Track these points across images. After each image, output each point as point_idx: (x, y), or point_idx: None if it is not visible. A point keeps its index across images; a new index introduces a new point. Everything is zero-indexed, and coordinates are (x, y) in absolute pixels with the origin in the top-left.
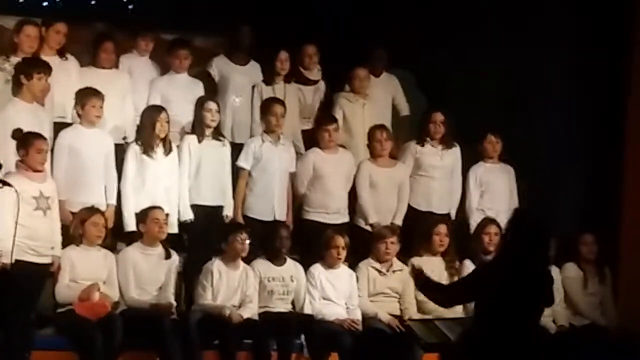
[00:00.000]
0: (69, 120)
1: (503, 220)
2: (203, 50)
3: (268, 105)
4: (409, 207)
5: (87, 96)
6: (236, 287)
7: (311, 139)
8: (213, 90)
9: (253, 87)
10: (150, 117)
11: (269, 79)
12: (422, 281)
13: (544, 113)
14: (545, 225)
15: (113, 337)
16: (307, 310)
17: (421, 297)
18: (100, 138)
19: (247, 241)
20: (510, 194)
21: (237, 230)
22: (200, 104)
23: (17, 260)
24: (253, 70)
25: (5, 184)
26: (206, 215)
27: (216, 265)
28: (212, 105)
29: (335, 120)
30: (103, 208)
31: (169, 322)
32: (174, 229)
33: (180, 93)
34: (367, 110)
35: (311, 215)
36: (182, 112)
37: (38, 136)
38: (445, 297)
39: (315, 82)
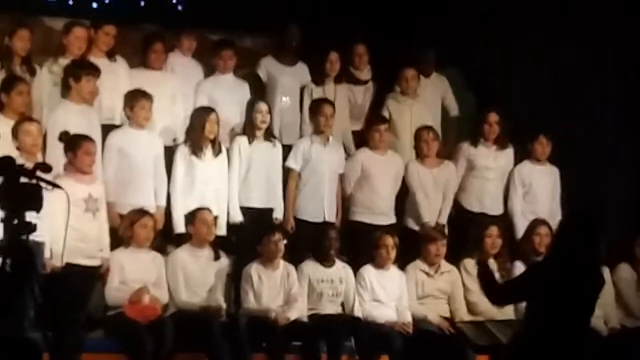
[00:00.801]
0: (117, 122)
1: None
2: (251, 51)
3: (317, 106)
4: (462, 208)
5: (136, 98)
6: (279, 288)
7: (361, 140)
8: (261, 91)
9: (303, 87)
10: (200, 118)
11: (318, 80)
12: (486, 276)
13: (593, 112)
14: (597, 225)
15: (163, 341)
16: (357, 312)
17: (471, 298)
18: (150, 140)
19: (282, 242)
20: (553, 196)
21: (270, 232)
22: (250, 105)
23: (67, 263)
24: (301, 71)
25: (55, 186)
26: (255, 217)
27: (254, 268)
28: (262, 106)
29: (386, 121)
30: (152, 210)
31: (219, 324)
32: (222, 231)
33: (226, 94)
34: (415, 111)
35: (358, 216)
36: (228, 113)
37: (86, 138)
38: (497, 295)
39: (366, 82)
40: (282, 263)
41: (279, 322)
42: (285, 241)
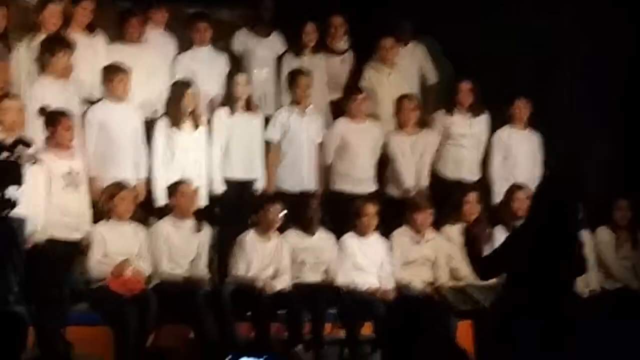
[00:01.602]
0: (97, 97)
1: None
2: (228, 24)
3: (294, 77)
4: (439, 176)
5: (113, 72)
6: (270, 259)
7: (339, 110)
8: (239, 63)
9: (280, 58)
10: (178, 91)
11: (295, 51)
12: (474, 249)
13: (572, 76)
14: (574, 189)
15: (147, 313)
16: (340, 280)
17: (453, 264)
18: (129, 113)
19: (282, 212)
20: (534, 161)
21: (271, 202)
22: (230, 77)
23: (49, 237)
24: (276, 42)
25: (36, 161)
26: (237, 188)
27: (249, 236)
28: (242, 77)
29: (361, 90)
30: (133, 183)
31: (202, 295)
32: (203, 201)
33: (205, 67)
34: (393, 80)
35: (338, 185)
36: (207, 85)
37: (64, 114)
38: (483, 270)
39: (343, 52)
40: (275, 235)
41: (266, 291)
42: (284, 212)
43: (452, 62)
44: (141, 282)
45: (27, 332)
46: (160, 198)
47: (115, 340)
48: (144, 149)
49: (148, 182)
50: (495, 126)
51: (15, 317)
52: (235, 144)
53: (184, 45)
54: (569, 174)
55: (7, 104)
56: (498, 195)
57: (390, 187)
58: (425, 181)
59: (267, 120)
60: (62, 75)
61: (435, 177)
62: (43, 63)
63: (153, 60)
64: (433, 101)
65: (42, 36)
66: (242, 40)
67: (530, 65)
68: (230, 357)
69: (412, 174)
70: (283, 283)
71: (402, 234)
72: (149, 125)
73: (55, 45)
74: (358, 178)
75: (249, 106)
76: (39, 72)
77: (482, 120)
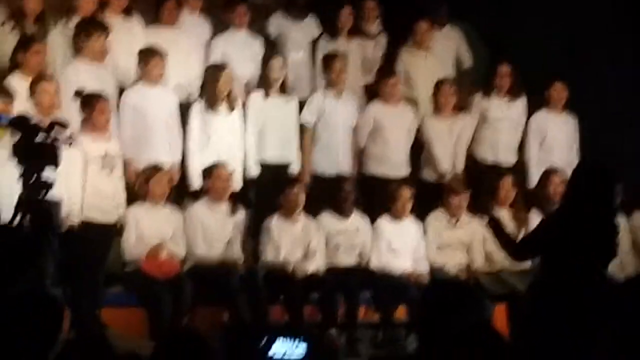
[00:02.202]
0: (132, 80)
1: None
2: (262, 7)
3: (329, 60)
4: (476, 160)
5: (149, 55)
6: (298, 241)
7: (372, 93)
8: (272, 45)
9: (315, 41)
10: (213, 74)
11: (331, 34)
12: (499, 232)
13: (608, 60)
14: (610, 173)
15: (182, 296)
16: (374, 263)
17: (488, 248)
18: (164, 96)
19: (302, 194)
20: (570, 145)
21: (290, 184)
22: (265, 61)
23: (84, 220)
24: (310, 26)
25: (72, 143)
26: (272, 171)
27: (274, 221)
28: (277, 61)
29: (397, 74)
30: (168, 166)
31: (237, 278)
32: (238, 185)
33: (240, 50)
34: (429, 63)
35: (372, 169)
36: (242, 69)
37: (100, 97)
38: (516, 251)
39: (375, 36)
40: (302, 217)
41: (296, 275)
42: (304, 194)
43: (488, 46)
44: (176, 265)
45: (62, 314)
46: (195, 181)
47: (150, 322)
48: (178, 132)
49: (182, 165)
50: (532, 110)
51: (51, 300)
52: (270, 127)
53: (219, 28)
54: (605, 159)
55: (44, 86)
56: (533, 180)
57: (426, 171)
58: (460, 165)
59: (301, 104)
60: (97, 58)
61: (472, 161)
62: (78, 45)
63: (188, 44)
64: (468, 85)
65: (77, 19)
66: (277, 23)
67: (568, 47)
68: (266, 339)
69: (448, 158)
70: (315, 265)
71: (437, 217)
72: (184, 109)
73: (91, 28)
74: (392, 161)
75: (283, 89)
76: (74, 55)
77: (519, 104)
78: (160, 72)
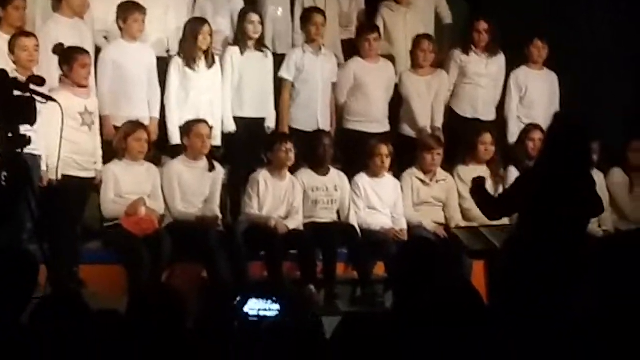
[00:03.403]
0: (110, 34)
1: None
2: None
3: (308, 15)
4: (455, 114)
5: (129, 10)
6: (283, 198)
7: (350, 49)
8: (253, 1)
9: None
10: (193, 29)
11: None
12: (480, 192)
13: (587, 17)
14: (585, 128)
15: (161, 252)
16: (352, 220)
17: (466, 205)
18: (143, 52)
19: (292, 151)
20: (551, 101)
21: (283, 140)
22: (242, 16)
23: (63, 175)
24: None
25: (49, 99)
26: (248, 127)
27: (262, 175)
28: (254, 17)
29: (377, 30)
30: (146, 122)
31: (215, 234)
32: (217, 141)
33: (217, 5)
34: (409, 19)
35: (352, 125)
36: (220, 24)
37: (81, 51)
38: (492, 210)
39: None
40: (288, 174)
41: (278, 230)
42: (294, 150)
43: (468, 2)
44: (154, 222)
45: (38, 270)
46: (174, 137)
47: (128, 279)
48: (156, 87)
49: (160, 121)
50: (512, 67)
51: (27, 256)
52: (246, 82)
53: None
54: (584, 115)
55: (24, 41)
56: (513, 136)
57: (405, 127)
58: (439, 122)
59: (282, 59)
60: (76, 14)
61: (451, 115)
62: (57, 1)
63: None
64: (447, 42)
65: None
66: None
67: (549, 3)
68: (238, 299)
69: (427, 114)
70: (296, 223)
71: (411, 174)
72: (163, 64)
73: None
74: (372, 117)
75: (260, 45)
76: (54, 10)
77: (499, 60)
78: (140, 28)
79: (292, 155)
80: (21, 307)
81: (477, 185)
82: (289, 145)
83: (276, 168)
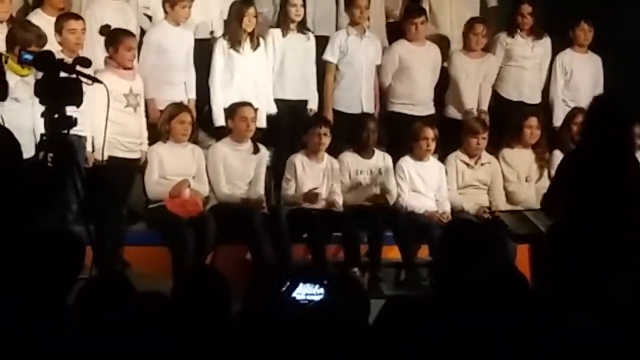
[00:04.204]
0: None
1: None
2: None
3: None
4: (500, 97)
5: None
6: (321, 180)
7: (395, 32)
8: None
9: None
10: (238, 11)
11: None
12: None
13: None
14: (626, 110)
15: (205, 234)
16: (397, 202)
17: (510, 188)
18: (183, 35)
19: (328, 135)
20: (595, 85)
21: (317, 124)
22: None
23: (108, 157)
24: None
25: (96, 80)
26: (291, 109)
27: (299, 158)
28: (297, 0)
29: (424, 13)
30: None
31: (259, 216)
32: (262, 123)
33: None
34: (455, 2)
35: (397, 107)
36: (263, 6)
37: (128, 33)
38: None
39: None
40: (325, 156)
41: (319, 214)
42: (329, 134)
43: None
44: (199, 204)
45: (84, 252)
46: (219, 119)
47: (172, 261)
48: (192, 69)
49: (205, 103)
50: (558, 50)
51: (73, 237)
52: (288, 65)
53: None
54: (628, 97)
55: (73, 24)
56: (558, 119)
57: (450, 110)
58: (485, 105)
59: (324, 41)
60: None
61: (496, 98)
62: None
63: None
64: (493, 25)
65: None
66: None
67: None
68: (288, 284)
69: (474, 96)
70: (337, 204)
71: (456, 157)
72: (206, 46)
73: None
74: (417, 100)
75: (302, 27)
76: None
77: (544, 43)
78: (187, 14)
79: (326, 139)
80: (67, 289)
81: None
82: (324, 130)
83: (312, 151)
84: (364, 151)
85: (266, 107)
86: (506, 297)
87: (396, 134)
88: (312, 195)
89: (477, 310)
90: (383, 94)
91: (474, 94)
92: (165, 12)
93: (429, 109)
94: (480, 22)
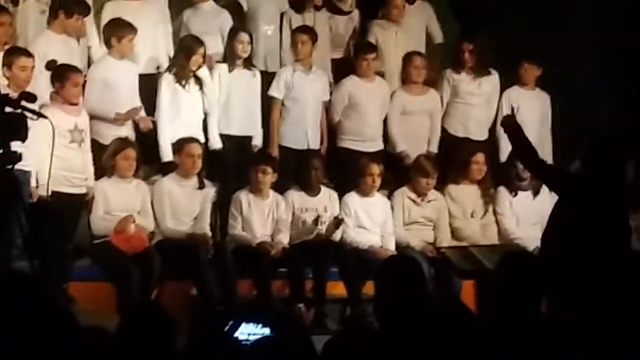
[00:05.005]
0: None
1: None
2: None
3: (297, 35)
4: (447, 133)
5: (123, 29)
6: (267, 216)
7: (342, 68)
8: (242, 19)
9: (282, 15)
10: (188, 48)
11: (299, 7)
12: (515, 132)
13: (581, 36)
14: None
15: (150, 270)
16: (342, 238)
17: (455, 224)
18: (129, 69)
19: (271, 174)
20: (542, 121)
21: (260, 161)
22: (232, 34)
23: (53, 192)
24: None
25: (41, 116)
26: (237, 144)
27: (244, 195)
28: (244, 36)
29: (375, 50)
30: (133, 139)
31: (205, 252)
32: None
33: (204, 23)
34: (401, 38)
35: (346, 143)
36: (207, 42)
37: (74, 69)
38: (533, 164)
39: (348, 12)
40: (271, 193)
41: (265, 250)
42: (274, 173)
43: (459, 22)
44: (144, 240)
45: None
46: (166, 154)
47: (118, 297)
48: (139, 102)
49: (151, 137)
50: (507, 85)
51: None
52: (234, 100)
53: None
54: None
55: (24, 61)
56: (504, 155)
57: (393, 146)
58: (435, 144)
59: (272, 78)
60: (70, 34)
61: (443, 134)
62: (54, 18)
63: (156, 16)
64: (438, 61)
65: None
66: None
67: (541, 23)
68: (230, 324)
69: (415, 136)
70: (283, 241)
71: (403, 193)
72: (152, 80)
73: (75, 8)
74: (366, 136)
75: (247, 64)
76: (47, 26)
77: (491, 80)
78: (133, 47)
79: (270, 177)
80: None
81: (512, 124)
82: (265, 168)
83: (256, 188)
84: (310, 189)
85: (210, 142)
86: (454, 331)
87: (344, 169)
88: (265, 246)
89: (425, 344)
90: (332, 130)
91: (410, 132)
92: (111, 46)
93: (378, 145)
94: (418, 55)
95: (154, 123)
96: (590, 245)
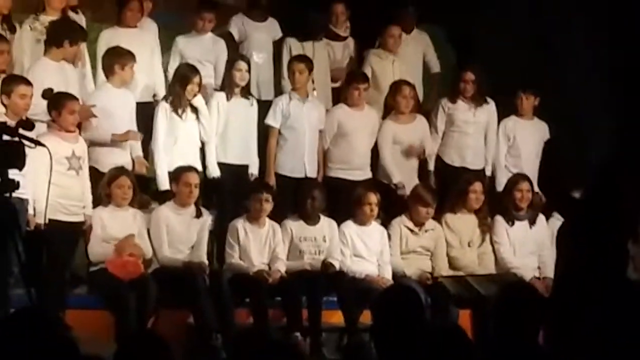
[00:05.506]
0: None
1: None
2: (229, 8)
3: (293, 63)
4: (443, 162)
5: (123, 57)
6: (264, 245)
7: (339, 96)
8: (237, 48)
9: (281, 42)
10: (184, 77)
11: (297, 36)
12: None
13: (579, 64)
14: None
15: (146, 298)
16: (339, 267)
17: (452, 253)
18: (126, 97)
19: (269, 201)
20: (538, 152)
21: (258, 190)
22: (230, 63)
23: (50, 220)
24: (272, 27)
25: (39, 144)
26: (234, 173)
27: (241, 223)
28: (242, 65)
29: (367, 80)
30: (130, 166)
31: (202, 280)
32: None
33: (200, 53)
34: (397, 68)
35: (334, 172)
36: (203, 71)
37: (71, 97)
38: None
39: (344, 38)
40: (267, 221)
41: (262, 279)
42: (270, 201)
43: (456, 51)
44: (140, 265)
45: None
46: (163, 183)
47: (115, 325)
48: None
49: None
50: (505, 114)
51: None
52: (231, 129)
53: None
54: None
55: (24, 89)
56: (501, 185)
57: (384, 175)
58: (431, 166)
59: (266, 106)
60: (67, 61)
61: (438, 164)
62: (53, 46)
63: (151, 45)
64: (435, 91)
65: (47, 16)
66: (239, 24)
67: (539, 52)
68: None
69: (406, 165)
70: (281, 269)
71: (400, 223)
72: (148, 109)
73: (75, 35)
74: (354, 165)
75: (245, 93)
76: (44, 53)
77: (488, 109)
78: (132, 75)
79: (268, 205)
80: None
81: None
82: (265, 196)
83: (253, 217)
84: (309, 218)
85: (207, 170)
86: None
87: (334, 198)
88: (262, 275)
89: None
90: (323, 158)
91: (401, 161)
92: (113, 74)
93: (366, 174)
94: (406, 84)
95: (150, 154)
96: (587, 274)
